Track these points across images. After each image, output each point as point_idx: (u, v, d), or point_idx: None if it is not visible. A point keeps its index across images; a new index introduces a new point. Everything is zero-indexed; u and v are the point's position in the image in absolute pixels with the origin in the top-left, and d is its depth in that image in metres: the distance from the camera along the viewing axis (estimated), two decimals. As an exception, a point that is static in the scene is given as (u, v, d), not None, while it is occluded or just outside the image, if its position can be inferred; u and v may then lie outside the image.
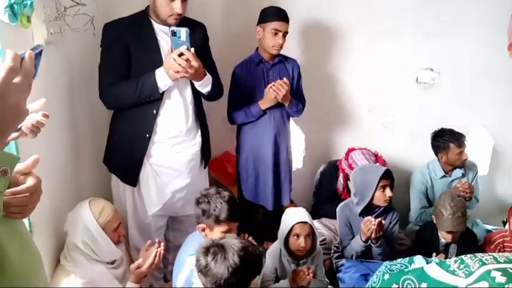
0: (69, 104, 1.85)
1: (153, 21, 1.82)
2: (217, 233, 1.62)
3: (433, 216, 2.14)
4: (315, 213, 2.43)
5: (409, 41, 2.61)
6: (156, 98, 1.80)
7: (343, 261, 2.18)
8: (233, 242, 1.33)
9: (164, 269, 2.19)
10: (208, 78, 1.84)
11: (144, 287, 1.77)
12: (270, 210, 2.30)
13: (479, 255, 1.53)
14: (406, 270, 1.73)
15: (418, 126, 2.77)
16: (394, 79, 2.70)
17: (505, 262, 1.45)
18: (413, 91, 2.73)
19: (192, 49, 1.69)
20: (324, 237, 2.33)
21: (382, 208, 2.09)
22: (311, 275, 1.80)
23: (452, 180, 2.54)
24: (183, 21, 1.80)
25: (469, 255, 1.54)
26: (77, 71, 1.91)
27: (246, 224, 2.11)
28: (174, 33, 1.67)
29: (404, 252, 2.20)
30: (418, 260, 1.78)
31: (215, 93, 1.94)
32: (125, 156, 1.90)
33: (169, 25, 1.77)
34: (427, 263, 1.72)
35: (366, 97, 2.73)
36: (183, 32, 1.66)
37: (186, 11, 1.79)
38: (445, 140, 2.47)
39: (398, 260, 1.82)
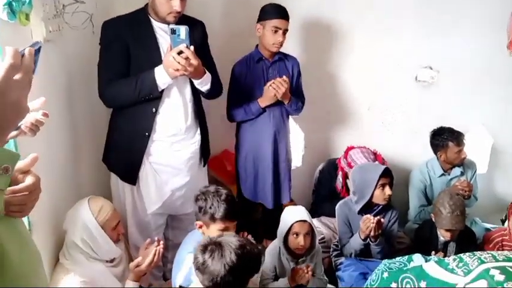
0: (68, 102, 1.84)
1: (152, 19, 1.81)
2: (213, 230, 1.63)
3: (432, 215, 2.15)
4: (314, 212, 2.43)
5: (409, 39, 2.61)
6: (156, 96, 1.80)
7: (342, 259, 2.18)
8: (231, 240, 1.33)
9: (163, 267, 2.19)
10: (208, 76, 1.84)
11: (143, 285, 1.77)
12: (269, 209, 2.31)
13: (478, 253, 1.54)
14: (405, 268, 1.73)
15: (417, 124, 2.77)
16: (394, 77, 2.70)
17: (503, 260, 1.46)
18: (413, 89, 2.73)
19: (192, 47, 1.68)
20: (323, 235, 2.33)
21: (381, 206, 2.09)
22: (310, 273, 1.80)
23: (451, 179, 2.55)
24: (182, 19, 1.80)
25: (467, 254, 1.55)
26: (76, 69, 1.91)
27: (245, 222, 2.11)
28: (173, 31, 1.67)
29: (403, 251, 2.21)
30: (417, 259, 1.78)
31: (214, 91, 1.93)
32: (124, 155, 1.90)
33: (168, 23, 1.77)
34: (426, 261, 1.73)
35: (365, 95, 2.73)
36: (183, 30, 1.66)
37: (185, 9, 1.78)
38: (444, 139, 2.47)
39: (397, 259, 1.83)
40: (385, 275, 1.76)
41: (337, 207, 2.19)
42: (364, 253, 2.12)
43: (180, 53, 1.67)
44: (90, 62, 1.87)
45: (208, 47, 2.00)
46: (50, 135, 1.54)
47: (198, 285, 1.37)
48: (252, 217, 2.44)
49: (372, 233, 2.00)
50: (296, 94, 2.24)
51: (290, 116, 2.34)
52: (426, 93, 2.73)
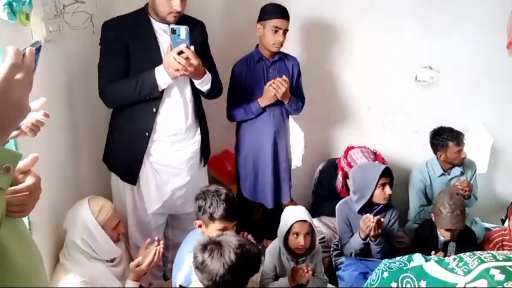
0: (69, 103, 1.84)
1: (152, 19, 1.81)
2: (212, 230, 1.63)
3: (432, 215, 2.15)
4: (314, 212, 2.43)
5: (409, 39, 2.61)
6: (156, 96, 1.80)
7: (343, 259, 2.18)
8: (230, 240, 1.33)
9: (163, 267, 2.19)
10: (208, 76, 1.84)
11: (144, 285, 1.77)
12: (269, 209, 2.31)
13: (478, 253, 1.54)
14: (405, 268, 1.74)
15: (417, 124, 2.77)
16: (394, 78, 2.70)
17: (503, 260, 1.46)
18: (413, 90, 2.73)
19: (192, 47, 1.68)
20: (323, 235, 2.33)
21: (381, 206, 2.09)
22: (310, 272, 1.80)
23: (451, 179, 2.55)
24: (182, 19, 1.80)
25: (467, 253, 1.55)
26: (76, 69, 1.91)
27: (246, 222, 2.11)
28: (173, 31, 1.67)
29: (403, 250, 2.21)
30: (417, 258, 1.78)
31: (214, 91, 1.93)
32: (124, 155, 1.90)
33: (168, 23, 1.77)
34: (426, 261, 1.73)
35: (365, 95, 2.73)
36: (183, 30, 1.66)
37: (185, 9, 1.78)
38: (444, 138, 2.47)
39: (397, 258, 1.83)
40: (385, 274, 1.76)
41: (337, 206, 2.19)
42: (364, 253, 2.12)
43: (180, 53, 1.67)
44: (90, 62, 1.87)
45: (209, 47, 2.01)
46: (50, 135, 1.54)
47: (198, 285, 1.37)
48: (252, 217, 2.44)
49: (372, 233, 2.00)
50: (296, 94, 2.24)
51: (290, 116, 2.34)
52: (426, 93, 2.73)
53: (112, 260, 1.72)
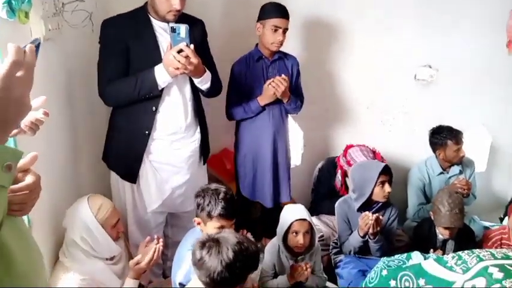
0: (68, 101, 1.84)
1: (151, 18, 1.81)
2: (210, 228, 1.64)
3: (431, 213, 2.15)
4: (313, 210, 2.44)
5: (409, 39, 2.61)
6: (156, 95, 1.80)
7: (342, 257, 2.19)
8: (229, 237, 1.34)
9: (163, 265, 2.19)
10: (208, 74, 1.84)
11: (143, 283, 1.77)
12: (268, 207, 2.31)
13: (476, 251, 1.55)
14: (403, 266, 1.74)
15: (416, 123, 2.77)
16: (393, 76, 2.70)
17: (502, 258, 1.47)
18: (413, 89, 2.73)
19: (192, 46, 1.68)
20: (322, 233, 2.34)
21: (380, 204, 2.10)
22: (309, 270, 1.81)
23: (449, 177, 2.55)
24: (182, 17, 1.80)
25: (466, 252, 1.56)
26: (76, 68, 1.91)
27: (245, 220, 2.11)
28: (173, 30, 1.66)
29: (402, 249, 2.21)
30: (416, 256, 1.79)
31: (214, 89, 1.94)
32: (124, 153, 1.90)
33: (168, 21, 1.76)
34: (425, 259, 1.74)
35: (365, 94, 2.73)
36: (183, 28, 1.66)
37: (184, 7, 1.78)
38: (443, 137, 2.48)
39: (396, 256, 1.84)
40: (384, 272, 1.77)
41: (336, 205, 2.20)
42: (363, 251, 2.13)
43: (180, 51, 1.67)
44: (89, 61, 1.87)
45: (208, 46, 2.00)
46: (50, 133, 1.54)
47: (197, 283, 1.37)
48: (251, 215, 2.44)
49: (371, 230, 2.01)
50: (295, 93, 2.24)
51: (289, 115, 2.34)
52: (426, 93, 2.73)
53: (112, 258, 1.72)
